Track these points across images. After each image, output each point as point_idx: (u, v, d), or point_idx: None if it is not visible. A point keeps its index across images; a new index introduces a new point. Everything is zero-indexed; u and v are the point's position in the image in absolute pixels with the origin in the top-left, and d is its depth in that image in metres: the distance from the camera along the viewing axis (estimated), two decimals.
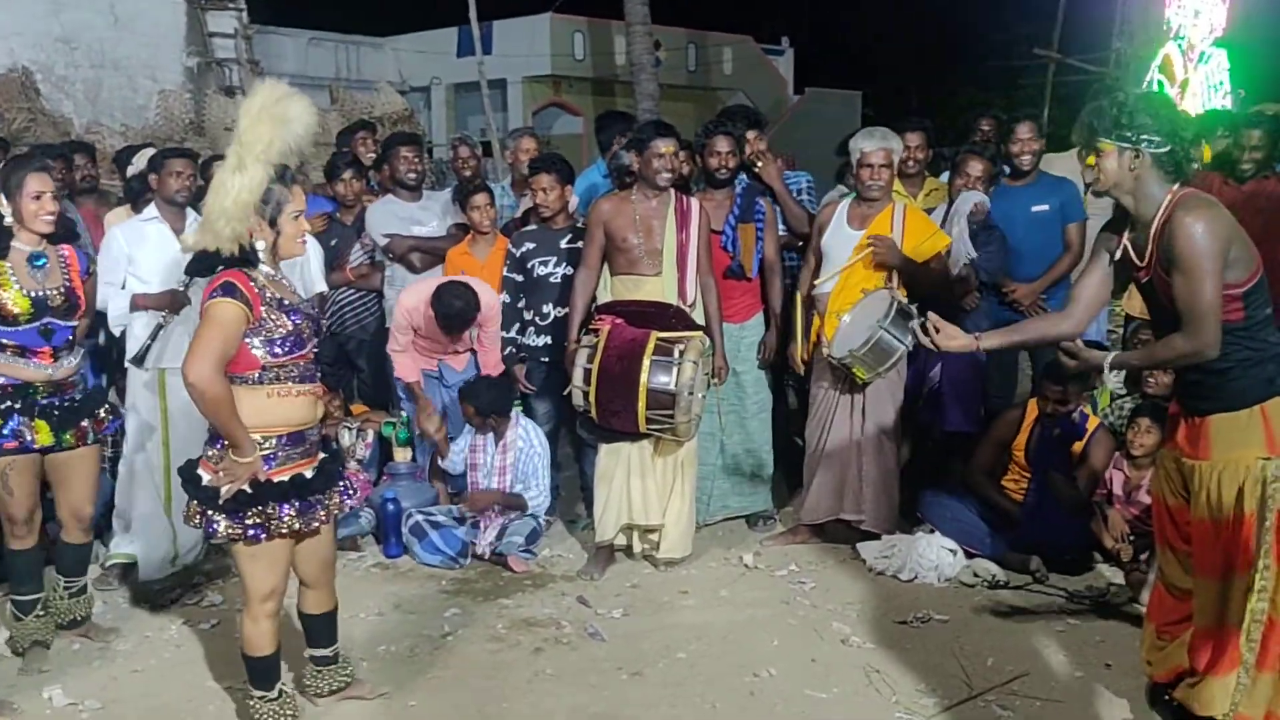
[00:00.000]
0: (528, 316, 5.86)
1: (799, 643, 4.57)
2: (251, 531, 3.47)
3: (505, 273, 5.86)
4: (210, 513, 3.48)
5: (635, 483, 5.29)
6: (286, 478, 3.53)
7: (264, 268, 3.56)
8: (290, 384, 3.54)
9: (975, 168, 5.73)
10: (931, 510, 5.55)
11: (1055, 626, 4.66)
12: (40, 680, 4.25)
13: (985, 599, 4.99)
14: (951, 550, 5.25)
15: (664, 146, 5.17)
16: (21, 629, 4.41)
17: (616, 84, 23.40)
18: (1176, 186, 3.41)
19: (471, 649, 4.57)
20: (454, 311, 5.56)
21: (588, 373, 5.07)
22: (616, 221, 5.23)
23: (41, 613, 4.44)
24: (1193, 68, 11.55)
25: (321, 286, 5.94)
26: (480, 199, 5.97)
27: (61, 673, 4.32)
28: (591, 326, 5.23)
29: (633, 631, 4.73)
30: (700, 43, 26.51)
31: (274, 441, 3.52)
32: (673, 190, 5.29)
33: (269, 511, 3.47)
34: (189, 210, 5.41)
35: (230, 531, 3.47)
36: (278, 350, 3.49)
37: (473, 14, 16.85)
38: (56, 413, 4.24)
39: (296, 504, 3.53)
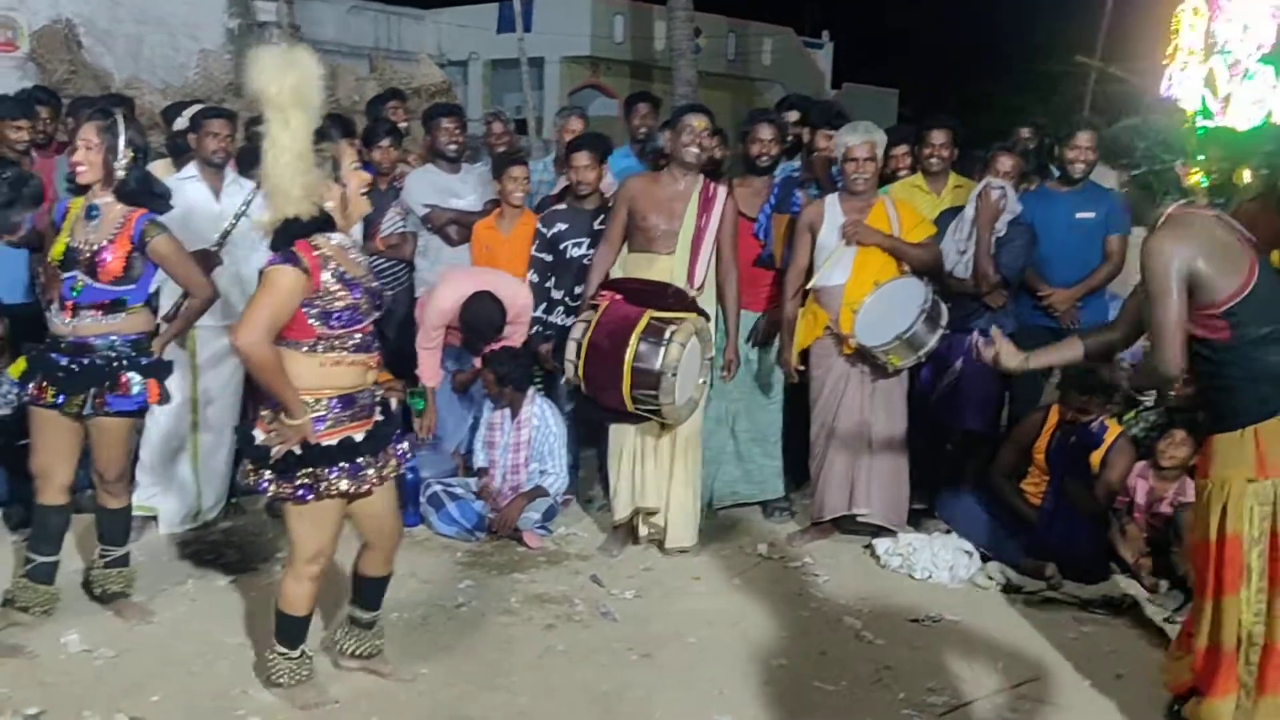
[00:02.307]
0: (556, 296, 5.86)
1: (810, 635, 4.58)
2: (299, 491, 3.50)
3: (534, 252, 5.86)
4: (262, 471, 3.53)
5: (638, 466, 5.32)
6: (335, 440, 3.54)
7: (335, 237, 3.56)
8: (345, 353, 3.56)
9: (1005, 163, 5.73)
10: (949, 511, 5.55)
11: (1067, 634, 4.64)
12: (57, 626, 4.28)
13: (998, 602, 4.98)
14: (967, 552, 5.24)
15: (696, 121, 5.18)
16: (15, 586, 4.31)
17: (654, 69, 23.33)
18: (1174, 207, 3.46)
19: (484, 621, 4.60)
20: (478, 327, 5.56)
21: (579, 346, 5.09)
22: (641, 200, 5.23)
23: (46, 581, 4.31)
24: (1237, 83, 11.42)
25: None
26: (517, 170, 5.96)
27: (77, 620, 4.35)
28: (592, 302, 5.23)
29: (644, 613, 4.75)
30: (740, 32, 26.41)
31: (324, 404, 3.53)
32: (702, 176, 5.28)
33: (318, 473, 3.50)
34: (227, 170, 5.46)
35: (279, 490, 3.52)
36: (334, 323, 3.50)
37: None
38: (61, 374, 4.10)
39: (346, 466, 3.55)
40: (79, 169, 4.09)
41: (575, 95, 23.43)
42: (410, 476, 5.67)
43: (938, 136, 6.05)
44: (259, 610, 4.53)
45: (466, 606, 4.73)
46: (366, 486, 3.62)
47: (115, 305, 4.15)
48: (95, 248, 4.09)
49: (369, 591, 3.99)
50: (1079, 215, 5.77)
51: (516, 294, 5.72)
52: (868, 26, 30.16)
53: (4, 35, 12.75)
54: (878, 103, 25.88)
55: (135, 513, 5.25)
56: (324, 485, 3.51)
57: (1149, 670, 4.10)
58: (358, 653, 4.02)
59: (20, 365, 4.13)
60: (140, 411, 4.30)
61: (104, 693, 3.87)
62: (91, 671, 4.03)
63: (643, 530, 5.47)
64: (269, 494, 3.57)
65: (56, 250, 4.12)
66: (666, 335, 4.92)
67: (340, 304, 3.50)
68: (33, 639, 4.19)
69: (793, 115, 6.45)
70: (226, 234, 5.32)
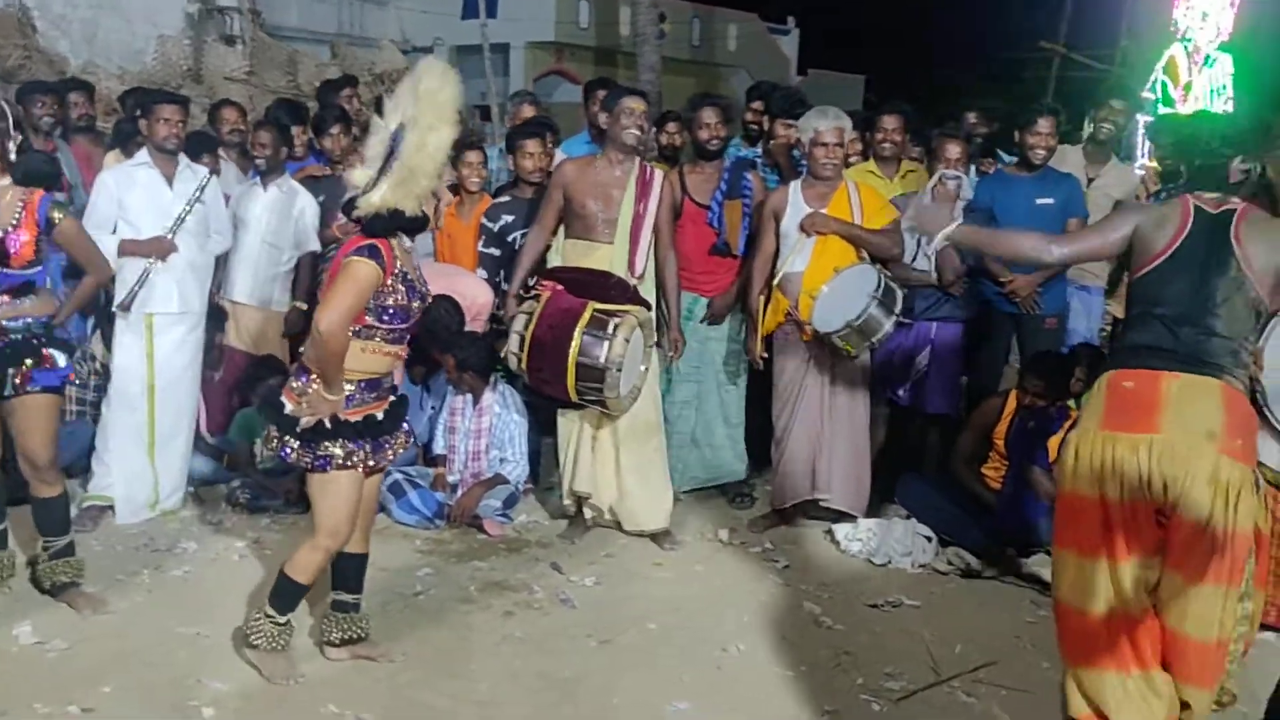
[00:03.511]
0: (505, 288, 5.82)
1: (770, 620, 4.59)
2: (319, 461, 3.71)
3: (481, 248, 5.81)
4: (287, 438, 3.72)
5: (578, 451, 5.30)
6: (360, 418, 3.77)
7: (405, 239, 3.76)
8: (383, 343, 3.77)
9: (953, 150, 5.75)
10: (908, 496, 5.57)
11: (1026, 618, 4.68)
12: (9, 618, 4.23)
13: (957, 587, 5.01)
14: (927, 537, 5.27)
15: (634, 104, 5.14)
16: None
17: (619, 54, 23.32)
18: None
19: (442, 609, 4.58)
20: (435, 331, 5.49)
21: (521, 339, 5.07)
22: (577, 185, 5.17)
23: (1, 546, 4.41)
24: (1197, 71, 11.52)
25: (315, 245, 5.91)
26: (472, 156, 5.91)
27: (30, 611, 4.30)
28: (532, 292, 5.20)
29: (604, 600, 4.74)
30: (705, 18, 26.42)
31: (354, 385, 3.75)
32: (638, 160, 5.24)
33: (346, 444, 3.72)
34: (180, 156, 5.39)
35: (300, 458, 3.72)
36: (385, 318, 3.72)
37: None
38: None
39: (370, 441, 3.79)
40: None
41: (540, 81, 23.36)
42: None
43: (890, 121, 6.05)
44: (216, 600, 4.51)
45: (425, 594, 4.71)
46: (384, 462, 3.89)
47: (25, 288, 4.19)
48: (2, 233, 4.09)
49: (350, 570, 4.08)
50: (1039, 201, 5.77)
51: (477, 293, 5.68)
52: (833, 13, 30.21)
53: None
54: (844, 89, 25.94)
55: (92, 502, 5.28)
56: (353, 457, 3.73)
57: None
58: (344, 639, 4.07)
59: None
60: (62, 387, 4.34)
61: (56, 684, 3.82)
62: (44, 663, 3.98)
63: (587, 514, 5.44)
64: (290, 460, 3.73)
65: None
66: (610, 329, 4.90)
67: (394, 303, 3.71)
68: None
69: (759, 104, 6.43)
70: (180, 220, 5.27)
